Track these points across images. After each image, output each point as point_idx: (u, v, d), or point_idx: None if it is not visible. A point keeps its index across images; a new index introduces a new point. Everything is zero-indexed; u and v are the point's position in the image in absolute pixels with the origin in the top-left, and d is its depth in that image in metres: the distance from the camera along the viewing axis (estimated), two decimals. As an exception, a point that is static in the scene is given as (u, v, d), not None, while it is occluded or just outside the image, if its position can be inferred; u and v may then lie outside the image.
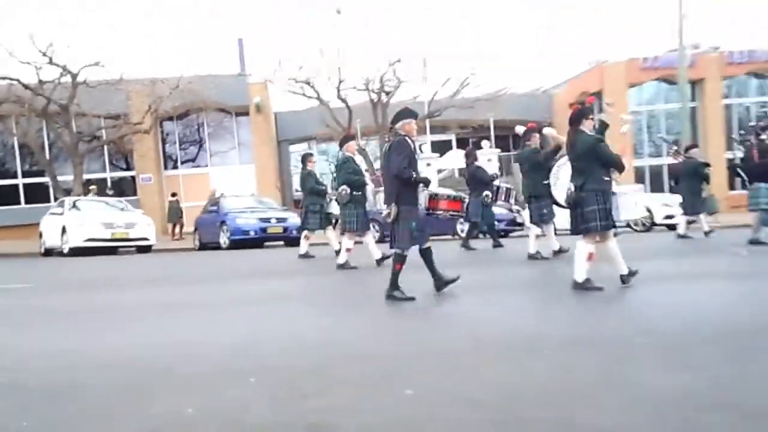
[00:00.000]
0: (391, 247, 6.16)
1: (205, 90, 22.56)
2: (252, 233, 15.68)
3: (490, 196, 11.08)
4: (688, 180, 12.08)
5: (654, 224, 15.38)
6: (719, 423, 2.62)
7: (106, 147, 25.26)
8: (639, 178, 25.13)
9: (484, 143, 27.29)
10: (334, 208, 10.72)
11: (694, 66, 25.04)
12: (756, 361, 3.53)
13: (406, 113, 6.11)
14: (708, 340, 4.08)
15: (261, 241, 16.15)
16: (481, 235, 13.16)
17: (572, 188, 6.12)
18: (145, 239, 15.86)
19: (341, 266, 9.10)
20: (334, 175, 10.64)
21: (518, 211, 17.54)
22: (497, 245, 11.63)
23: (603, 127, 6.82)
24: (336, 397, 3.10)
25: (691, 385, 3.14)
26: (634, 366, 3.56)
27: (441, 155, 28.57)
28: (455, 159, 25.03)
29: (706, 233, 12.08)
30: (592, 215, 5.98)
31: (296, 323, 5.30)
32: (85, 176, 23.59)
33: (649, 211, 15.19)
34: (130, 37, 49.56)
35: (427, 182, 6.42)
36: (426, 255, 6.08)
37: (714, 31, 65.67)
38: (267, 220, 16.03)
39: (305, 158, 11.76)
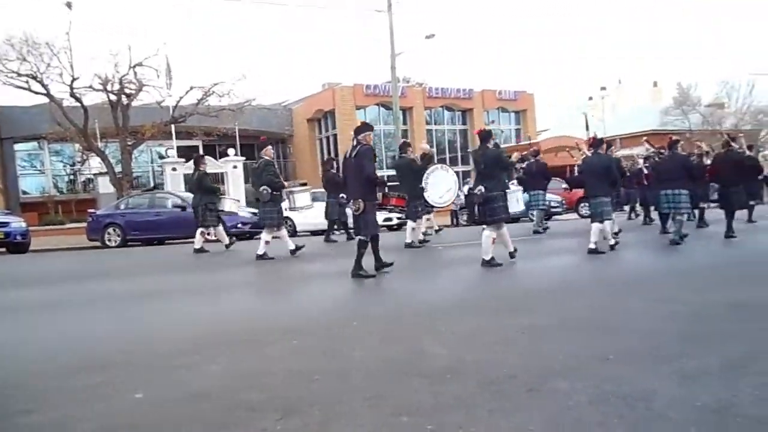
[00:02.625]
0: (357, 235, 6.84)
1: None
2: (-39, 239, 12.88)
3: (346, 197, 11.83)
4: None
5: (378, 226, 16.75)
6: (407, 382, 3.00)
7: None
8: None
9: (230, 151, 26.71)
10: (227, 206, 11.24)
11: (405, 96, 28.03)
12: (437, 334, 4.10)
13: (367, 127, 6.99)
14: (406, 320, 4.60)
15: (-25, 248, 13.35)
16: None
17: (482, 189, 7.16)
18: None
19: (260, 257, 9.03)
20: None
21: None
22: (351, 238, 11.98)
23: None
24: (54, 410, 2.72)
25: (390, 355, 3.52)
26: (346, 344, 3.84)
27: (187, 161, 27.12)
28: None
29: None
30: (500, 210, 7.20)
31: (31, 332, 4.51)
32: None
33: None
34: None
35: (386, 185, 6.93)
36: (374, 242, 6.84)
37: (422, 67, 74.42)
38: (-18, 225, 13.30)
39: (198, 160, 11.27)
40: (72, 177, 29.74)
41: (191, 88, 22.93)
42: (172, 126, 23.65)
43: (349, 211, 12.21)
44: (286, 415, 2.56)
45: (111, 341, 4.16)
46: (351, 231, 12.72)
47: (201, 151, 28.95)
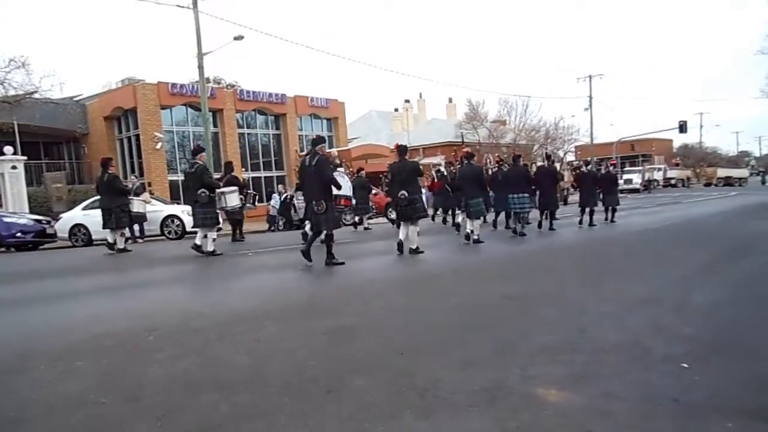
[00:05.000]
0: (316, 230, 7.89)
1: None
2: None
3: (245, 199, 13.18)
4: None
5: (186, 232, 15.77)
6: (203, 396, 2.85)
7: None
8: (174, 191, 25.30)
9: (7, 149, 22.91)
10: (135, 207, 12.10)
11: (214, 97, 26.82)
12: (238, 342, 3.96)
13: (321, 140, 8.13)
14: (205, 330, 4.36)
15: None
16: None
17: (405, 194, 8.67)
18: None
19: (211, 253, 9.74)
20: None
21: (48, 222, 15.42)
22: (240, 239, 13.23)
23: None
24: None
25: (186, 368, 3.31)
26: (138, 361, 3.51)
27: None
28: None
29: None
30: (420, 209, 8.86)
31: None
32: None
33: (180, 220, 15.51)
34: None
35: (339, 187, 8.30)
36: (329, 237, 7.75)
37: (236, 70, 72.09)
38: None
39: (106, 162, 11.32)
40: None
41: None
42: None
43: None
44: (58, 450, 2.25)
45: None
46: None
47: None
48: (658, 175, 48.15)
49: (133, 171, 25.63)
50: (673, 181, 48.69)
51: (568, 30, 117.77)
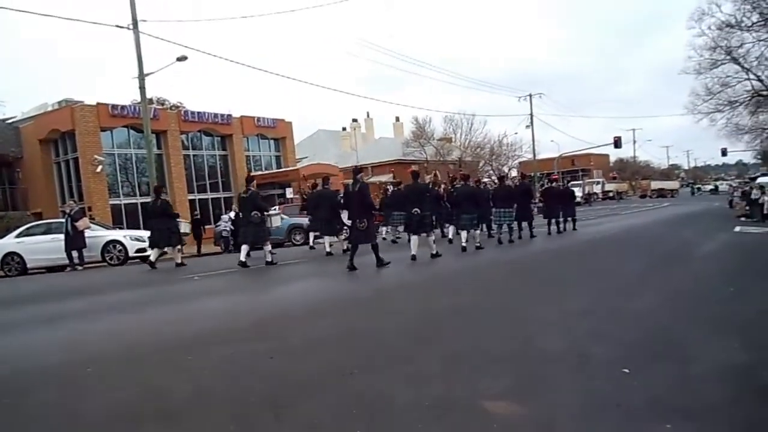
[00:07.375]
0: (366, 242, 9.36)
1: None
2: None
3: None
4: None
5: (128, 258, 15.13)
6: (140, 428, 2.73)
7: None
8: (116, 215, 24.35)
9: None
10: (182, 228, 13.06)
11: (158, 119, 26.10)
12: (183, 369, 3.81)
13: (360, 169, 10.07)
14: (148, 357, 4.17)
15: None
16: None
17: (419, 210, 10.14)
18: None
19: (269, 263, 11.07)
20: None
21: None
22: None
23: None
24: None
25: (126, 399, 3.15)
26: (78, 393, 3.32)
27: None
28: None
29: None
30: (427, 224, 10.48)
31: None
32: None
33: (123, 245, 14.88)
34: None
35: (377, 208, 10.53)
36: (375, 247, 9.43)
37: (181, 91, 70.58)
38: None
39: (158, 189, 12.69)
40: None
41: None
42: None
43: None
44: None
45: None
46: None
47: None
48: (597, 189, 50.08)
49: (72, 195, 24.55)
50: (611, 194, 50.78)
51: (511, 50, 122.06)
